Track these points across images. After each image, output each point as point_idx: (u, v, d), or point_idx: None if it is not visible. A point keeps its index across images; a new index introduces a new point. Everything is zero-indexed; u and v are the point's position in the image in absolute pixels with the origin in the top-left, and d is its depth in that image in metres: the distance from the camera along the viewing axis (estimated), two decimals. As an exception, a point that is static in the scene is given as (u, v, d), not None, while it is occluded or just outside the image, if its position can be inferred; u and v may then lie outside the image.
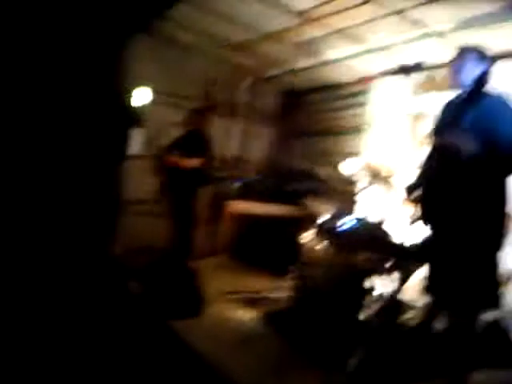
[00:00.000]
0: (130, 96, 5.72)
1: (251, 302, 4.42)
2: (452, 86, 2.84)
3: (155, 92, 5.97)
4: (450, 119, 2.61)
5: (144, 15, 5.16)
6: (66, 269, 4.09)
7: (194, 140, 5.15)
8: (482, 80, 2.60)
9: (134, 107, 5.73)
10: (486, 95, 2.58)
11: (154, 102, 5.97)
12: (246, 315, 4.14)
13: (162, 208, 5.36)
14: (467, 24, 4.14)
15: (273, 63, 6.29)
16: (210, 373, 2.96)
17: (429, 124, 5.05)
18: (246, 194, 6.24)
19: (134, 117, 5.77)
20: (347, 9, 4.32)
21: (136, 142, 5.81)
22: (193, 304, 3.92)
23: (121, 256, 5.23)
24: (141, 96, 5.72)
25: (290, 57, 5.88)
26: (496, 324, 3.79)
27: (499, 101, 2.56)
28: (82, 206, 5.24)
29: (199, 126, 5.33)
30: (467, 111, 2.48)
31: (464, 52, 2.79)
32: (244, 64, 6.50)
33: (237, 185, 6.23)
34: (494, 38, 4.05)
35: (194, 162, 4.99)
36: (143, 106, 5.75)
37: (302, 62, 6.00)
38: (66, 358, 2.85)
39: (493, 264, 2.55)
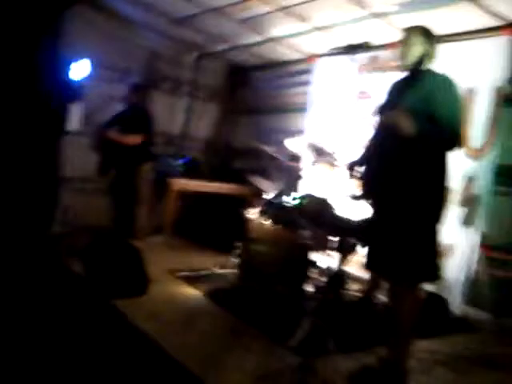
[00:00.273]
0: (69, 69, 5.50)
1: (196, 280, 4.42)
2: (400, 67, 2.87)
3: (96, 65, 5.77)
4: (394, 98, 2.65)
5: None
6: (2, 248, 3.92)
7: (136, 116, 5.02)
8: (424, 58, 2.64)
9: (73, 81, 5.52)
10: (430, 73, 2.64)
11: (94, 76, 5.78)
12: (191, 293, 4.13)
13: (104, 186, 5.22)
14: (411, 6, 4.21)
15: (218, 39, 6.21)
16: (155, 352, 2.94)
17: (371, 103, 5.21)
18: (191, 171, 6.19)
19: (73, 91, 5.56)
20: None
21: (75, 118, 5.61)
22: (137, 283, 3.86)
23: (62, 235, 5.10)
24: (80, 69, 5.51)
25: (236, 33, 5.81)
26: (434, 295, 3.99)
27: (442, 78, 2.63)
28: (19, 183, 5.04)
29: (141, 101, 5.19)
30: (410, 89, 2.53)
31: (410, 32, 2.82)
32: (189, 39, 6.37)
33: (181, 162, 6.15)
34: (437, 20, 4.17)
35: (134, 139, 4.86)
36: (82, 80, 5.54)
37: (248, 39, 5.95)
38: (6, 341, 2.76)
39: (433, 237, 2.65)
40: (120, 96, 5.52)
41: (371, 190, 2.80)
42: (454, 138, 2.55)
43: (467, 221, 4.20)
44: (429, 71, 2.65)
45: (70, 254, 4.39)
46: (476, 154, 4.16)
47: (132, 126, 4.91)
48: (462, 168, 4.13)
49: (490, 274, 4.12)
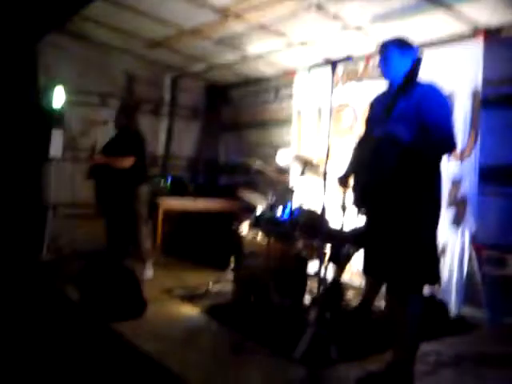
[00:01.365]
0: (48, 97, 5.50)
1: (193, 298, 4.40)
2: (383, 77, 2.90)
3: (75, 91, 5.79)
4: (382, 110, 2.66)
5: (58, 13, 4.96)
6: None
7: (126, 138, 5.01)
8: (412, 71, 2.64)
9: (53, 108, 5.51)
10: (417, 84, 2.66)
11: (74, 101, 5.78)
12: (188, 311, 4.12)
13: (98, 210, 5.17)
14: (385, 16, 4.32)
15: (196, 59, 6.25)
16: (158, 372, 2.92)
17: (351, 114, 5.30)
18: (178, 190, 6.18)
19: (53, 118, 5.55)
20: (267, 4, 4.36)
21: (56, 144, 5.60)
22: (134, 305, 3.84)
23: (54, 262, 5.04)
24: (58, 96, 5.51)
25: (213, 52, 5.85)
26: (433, 297, 4.04)
27: (430, 88, 2.68)
28: (4, 211, 4.99)
29: (131, 123, 5.17)
30: (399, 101, 2.54)
31: (387, 45, 2.84)
32: (166, 60, 6.41)
33: (167, 181, 6.14)
34: (413, 29, 4.28)
35: (125, 161, 4.83)
36: (62, 107, 5.55)
37: (226, 57, 6.00)
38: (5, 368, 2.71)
39: (432, 240, 2.70)
40: (102, 120, 5.52)
41: (365, 198, 2.82)
42: (449, 142, 2.61)
43: (456, 221, 4.28)
44: (416, 82, 2.66)
45: (63, 281, 4.34)
46: (459, 157, 4.25)
47: (123, 148, 4.88)
48: (447, 171, 4.21)
49: (483, 273, 4.20)
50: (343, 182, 3.05)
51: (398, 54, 2.79)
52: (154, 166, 6.82)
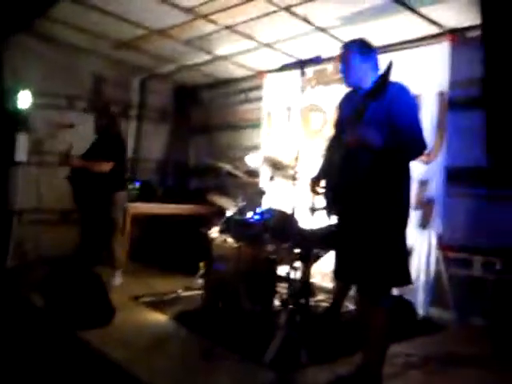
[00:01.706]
0: (14, 99, 5.37)
1: (162, 305, 4.34)
2: (344, 82, 2.88)
3: (41, 94, 5.66)
4: (352, 113, 2.63)
5: (24, 13, 4.85)
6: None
7: (106, 142, 4.90)
8: (385, 76, 2.53)
9: (18, 111, 5.38)
10: (387, 85, 2.65)
11: (40, 104, 5.66)
12: (157, 318, 4.06)
13: (74, 215, 5.06)
14: (352, 19, 4.34)
15: (164, 60, 6.19)
16: (127, 380, 2.87)
17: (320, 117, 5.31)
18: (146, 194, 6.09)
19: (19, 121, 5.43)
20: (236, 5, 4.35)
21: (22, 148, 5.47)
22: (101, 312, 3.76)
23: (19, 268, 4.92)
24: (24, 99, 5.38)
25: (182, 53, 5.81)
26: (401, 298, 4.07)
27: (400, 89, 2.68)
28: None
29: (112, 127, 5.07)
30: (369, 104, 2.50)
31: (348, 49, 2.81)
32: (134, 62, 6.33)
33: (135, 186, 6.05)
34: (380, 31, 4.31)
35: (103, 166, 4.72)
36: (27, 109, 5.42)
37: (195, 58, 5.96)
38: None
39: (402, 243, 2.71)
40: (68, 123, 5.42)
41: (336, 202, 2.81)
42: (420, 144, 2.62)
43: (423, 223, 4.32)
44: (387, 86, 2.57)
45: (28, 288, 4.24)
46: (426, 159, 4.29)
47: (102, 153, 4.77)
48: (414, 172, 4.24)
49: (450, 274, 4.25)
50: (314, 185, 3.01)
51: (360, 58, 2.75)
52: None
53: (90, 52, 5.99)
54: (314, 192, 2.99)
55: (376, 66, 2.79)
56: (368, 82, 2.69)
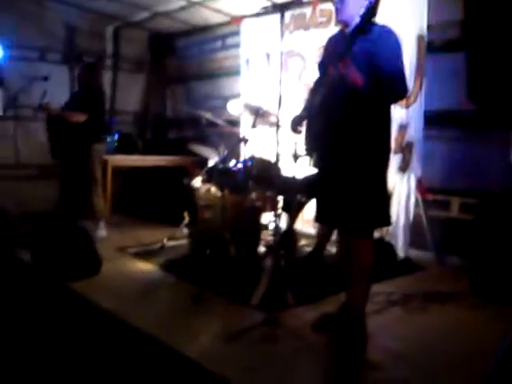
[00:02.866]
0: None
1: (148, 255, 4.40)
2: (338, 21, 2.83)
3: (12, 46, 5.48)
4: (337, 52, 2.57)
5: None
6: None
7: (85, 95, 4.83)
8: (371, 11, 2.55)
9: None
10: (373, 26, 2.59)
11: (12, 57, 5.49)
12: (145, 267, 4.12)
13: (53, 169, 5.01)
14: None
15: (138, 7, 5.99)
16: (118, 327, 2.94)
17: (299, 62, 5.26)
18: (125, 146, 6.03)
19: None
20: None
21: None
22: (89, 263, 3.80)
23: (1, 225, 4.89)
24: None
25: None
26: (381, 240, 4.19)
27: (386, 31, 2.65)
28: None
29: (93, 80, 4.98)
30: (355, 43, 2.44)
31: None
32: (107, 10, 6.12)
33: (114, 138, 5.98)
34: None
35: (78, 116, 4.66)
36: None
37: (169, 5, 5.78)
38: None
39: (382, 184, 2.76)
40: (42, 75, 5.27)
41: (316, 144, 2.83)
42: (399, 89, 2.62)
43: (403, 167, 4.40)
44: (371, 23, 2.59)
45: (13, 243, 4.24)
46: (406, 102, 4.31)
47: (80, 105, 4.71)
48: (393, 117, 4.28)
49: (428, 216, 4.37)
50: (295, 125, 2.98)
51: None
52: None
53: (61, 1, 5.77)
54: (295, 131, 2.99)
55: (374, 7, 2.68)
56: (356, 19, 2.65)
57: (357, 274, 2.76)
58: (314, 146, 2.86)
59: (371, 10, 2.46)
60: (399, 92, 2.65)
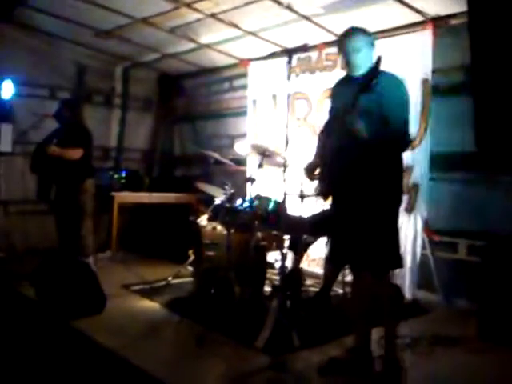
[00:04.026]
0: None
1: (153, 292, 4.37)
2: (348, 68, 2.86)
3: (23, 84, 5.59)
4: (347, 101, 2.61)
5: (3, 2, 4.77)
6: None
7: (72, 132, 4.89)
8: (378, 66, 2.57)
9: (1, 101, 5.32)
10: (380, 74, 2.60)
11: (23, 94, 5.60)
12: (149, 306, 4.10)
13: (44, 206, 5.03)
14: (335, 7, 4.37)
15: (148, 48, 6.14)
16: (123, 367, 2.90)
17: (305, 104, 5.34)
18: (132, 183, 6.08)
19: (2, 111, 5.37)
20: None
21: (6, 138, 5.42)
22: (93, 301, 3.78)
23: (7, 260, 4.90)
24: (7, 89, 5.32)
25: (166, 41, 5.77)
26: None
27: (392, 79, 2.71)
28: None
29: (76, 117, 5.05)
30: (364, 93, 2.51)
31: (357, 33, 2.76)
32: (117, 50, 6.27)
33: (121, 175, 6.03)
34: (364, 19, 4.33)
35: (75, 152, 4.72)
36: (9, 100, 5.36)
37: (179, 47, 5.92)
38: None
39: (395, 227, 2.78)
40: (53, 113, 5.37)
41: (331, 188, 2.86)
42: (401, 142, 2.69)
43: (409, 208, 4.40)
44: (378, 72, 2.58)
45: (18, 279, 4.23)
46: (411, 145, 4.35)
47: (69, 142, 4.76)
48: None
49: (435, 258, 4.34)
50: (310, 173, 3.01)
51: (369, 43, 2.75)
52: (106, 159, 6.71)
53: (72, 41, 5.91)
54: (311, 178, 3.01)
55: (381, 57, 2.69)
56: (364, 70, 2.71)
57: (368, 316, 2.74)
58: (330, 188, 2.89)
59: (378, 66, 2.52)
60: (403, 146, 2.73)
